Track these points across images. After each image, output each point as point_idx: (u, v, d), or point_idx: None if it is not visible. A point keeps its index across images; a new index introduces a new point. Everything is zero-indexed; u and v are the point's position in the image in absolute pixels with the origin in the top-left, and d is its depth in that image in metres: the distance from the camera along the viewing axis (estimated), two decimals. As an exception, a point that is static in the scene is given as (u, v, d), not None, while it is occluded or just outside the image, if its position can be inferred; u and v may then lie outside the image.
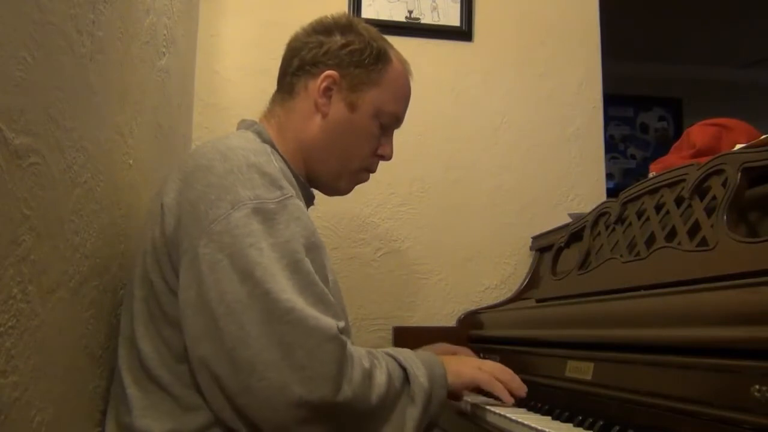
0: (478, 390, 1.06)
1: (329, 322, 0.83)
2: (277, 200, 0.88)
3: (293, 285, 0.83)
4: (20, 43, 0.65)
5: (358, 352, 0.88)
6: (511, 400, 1.02)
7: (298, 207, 0.90)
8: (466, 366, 1.04)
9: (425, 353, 1.01)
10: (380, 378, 0.88)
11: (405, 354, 0.97)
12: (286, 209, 0.88)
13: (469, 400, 1.11)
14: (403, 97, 1.15)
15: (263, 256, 0.83)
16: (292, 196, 0.90)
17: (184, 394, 0.87)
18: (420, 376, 0.93)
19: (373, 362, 0.89)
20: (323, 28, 1.10)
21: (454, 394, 1.03)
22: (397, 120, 1.14)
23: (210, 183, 0.87)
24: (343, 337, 0.84)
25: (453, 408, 1.17)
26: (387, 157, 1.15)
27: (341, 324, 0.86)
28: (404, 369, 0.93)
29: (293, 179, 0.98)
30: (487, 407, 1.04)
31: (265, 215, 0.86)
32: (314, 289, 0.86)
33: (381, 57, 1.10)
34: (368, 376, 0.86)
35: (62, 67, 0.77)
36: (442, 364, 0.98)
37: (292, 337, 0.80)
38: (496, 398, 1.05)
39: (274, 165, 0.92)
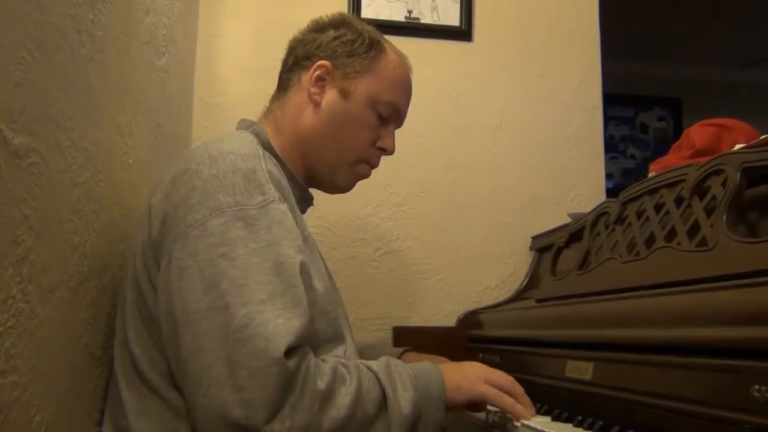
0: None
1: (279, 344, 0.77)
2: (258, 206, 0.85)
3: (271, 289, 0.80)
4: (20, 43, 0.65)
5: (319, 369, 0.82)
6: (523, 416, 0.93)
7: (280, 211, 0.88)
8: (469, 379, 0.94)
9: (427, 368, 0.93)
10: (342, 400, 0.81)
11: (395, 371, 0.89)
12: (267, 214, 0.86)
13: (491, 408, 1.02)
14: (400, 86, 1.12)
15: (235, 267, 0.81)
16: (274, 200, 0.88)
17: (176, 398, 0.86)
18: (402, 399, 0.85)
19: (338, 381, 0.83)
20: (318, 27, 1.12)
21: (468, 407, 0.97)
22: (395, 111, 1.11)
23: (194, 187, 0.86)
24: (290, 363, 0.78)
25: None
26: (388, 150, 1.12)
27: (297, 327, 0.80)
28: (383, 389, 0.86)
29: (287, 181, 0.96)
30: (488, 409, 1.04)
31: (247, 221, 0.84)
32: (294, 293, 0.82)
33: (373, 45, 1.09)
34: (322, 399, 0.80)
35: (62, 67, 0.77)
36: (440, 382, 0.91)
37: (240, 356, 0.77)
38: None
39: (263, 169, 0.90)
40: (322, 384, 0.81)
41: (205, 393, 0.77)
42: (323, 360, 0.86)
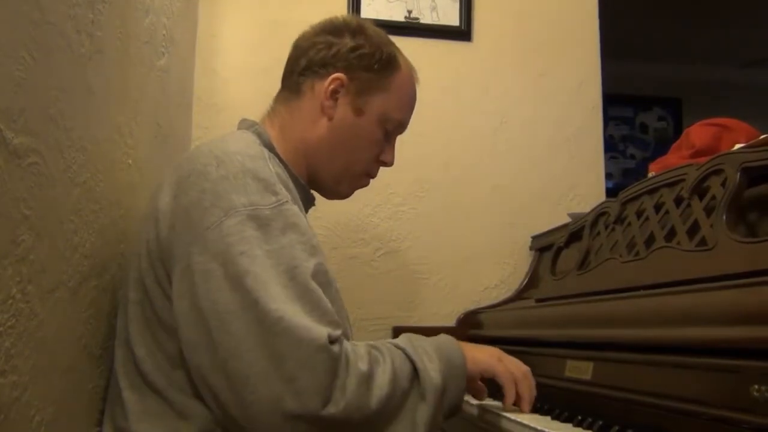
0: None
1: (320, 332, 0.79)
2: (272, 206, 0.86)
3: (288, 293, 0.81)
4: (20, 43, 0.65)
5: (356, 353, 0.84)
6: (521, 410, 0.98)
7: (294, 212, 0.88)
8: (485, 353, 0.99)
9: (445, 340, 0.96)
10: (382, 378, 0.84)
11: (419, 345, 0.92)
12: (281, 215, 0.86)
13: (474, 402, 1.08)
14: (409, 104, 1.14)
15: (255, 264, 0.81)
16: (287, 201, 0.88)
17: (179, 400, 0.86)
18: (432, 370, 0.88)
19: (374, 362, 0.85)
20: (333, 29, 1.09)
21: (470, 381, 0.99)
22: (401, 126, 1.14)
23: (204, 189, 0.86)
24: (334, 348, 0.80)
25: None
26: (389, 164, 1.14)
27: (336, 332, 0.82)
28: (413, 363, 0.89)
29: (291, 182, 0.97)
30: (485, 406, 1.04)
31: (260, 221, 0.84)
32: (311, 296, 0.83)
33: (390, 63, 1.09)
34: (366, 379, 0.82)
35: (62, 67, 0.77)
36: (461, 352, 0.94)
37: (283, 348, 0.78)
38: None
39: (270, 170, 0.90)
40: (363, 366, 0.83)
41: (254, 390, 0.78)
42: (355, 344, 0.88)
